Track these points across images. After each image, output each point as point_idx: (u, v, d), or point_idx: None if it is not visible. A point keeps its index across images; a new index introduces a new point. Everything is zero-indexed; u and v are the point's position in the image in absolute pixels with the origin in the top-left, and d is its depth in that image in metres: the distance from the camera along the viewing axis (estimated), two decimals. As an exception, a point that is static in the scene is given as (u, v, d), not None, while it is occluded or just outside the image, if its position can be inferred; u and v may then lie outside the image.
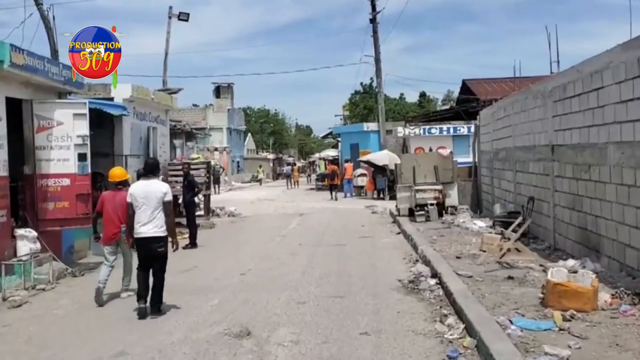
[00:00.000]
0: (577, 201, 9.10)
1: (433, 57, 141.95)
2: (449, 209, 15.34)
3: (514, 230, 8.85)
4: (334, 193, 27.33)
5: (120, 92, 14.91)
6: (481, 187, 17.96)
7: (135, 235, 7.09)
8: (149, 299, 7.05)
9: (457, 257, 9.37)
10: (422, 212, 14.71)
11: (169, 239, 7.21)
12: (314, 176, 48.85)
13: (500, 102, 15.19)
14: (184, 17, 22.79)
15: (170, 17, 22.89)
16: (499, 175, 14.96)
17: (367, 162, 27.40)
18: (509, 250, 8.20)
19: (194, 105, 55.81)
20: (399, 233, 14.00)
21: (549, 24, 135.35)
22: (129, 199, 7.15)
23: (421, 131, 27.50)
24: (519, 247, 8.29)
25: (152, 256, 7.08)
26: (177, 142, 29.35)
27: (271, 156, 70.34)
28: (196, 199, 15.51)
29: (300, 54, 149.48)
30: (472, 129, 27.05)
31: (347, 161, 30.31)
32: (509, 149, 13.78)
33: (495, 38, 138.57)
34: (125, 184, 8.13)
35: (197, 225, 13.80)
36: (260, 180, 48.93)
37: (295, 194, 34.20)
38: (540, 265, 8.34)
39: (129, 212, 7.15)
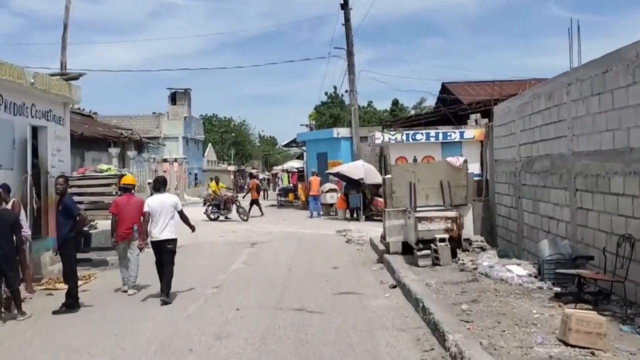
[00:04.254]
0: None
1: (399, 70, 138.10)
2: (463, 243, 10.47)
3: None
4: (258, 208, 25.24)
5: (-29, 71, 9.85)
6: (495, 209, 13.29)
7: (153, 239, 8.73)
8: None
9: (545, 377, 4.54)
10: (428, 252, 9.73)
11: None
12: (271, 192, 44.29)
13: (539, 87, 10.48)
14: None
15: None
16: (535, 194, 10.28)
17: (337, 174, 23.12)
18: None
19: (154, 113, 50.46)
20: (394, 286, 9.05)
21: (508, 40, 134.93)
22: (146, 209, 8.76)
23: (404, 137, 22.59)
24: None
25: (165, 252, 8.67)
26: (113, 150, 24.33)
27: (232, 168, 64.91)
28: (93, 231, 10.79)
29: (266, 66, 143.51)
30: (466, 135, 22.71)
31: (313, 174, 25.32)
32: (558, 155, 9.12)
33: (460, 52, 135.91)
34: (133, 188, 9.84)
35: (77, 277, 8.67)
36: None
37: (253, 212, 29.00)
38: None
39: (145, 218, 8.79)
